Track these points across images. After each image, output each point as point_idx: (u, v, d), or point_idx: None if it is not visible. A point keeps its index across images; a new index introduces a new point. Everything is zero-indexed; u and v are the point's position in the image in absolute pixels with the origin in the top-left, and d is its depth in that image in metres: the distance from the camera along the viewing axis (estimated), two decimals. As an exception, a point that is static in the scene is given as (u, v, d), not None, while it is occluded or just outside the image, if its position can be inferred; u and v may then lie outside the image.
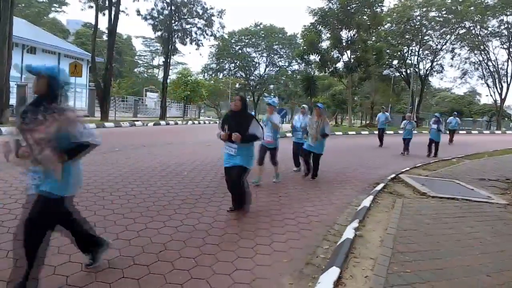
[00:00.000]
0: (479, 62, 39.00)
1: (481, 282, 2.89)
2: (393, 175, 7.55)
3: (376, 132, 15.64)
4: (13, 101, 16.61)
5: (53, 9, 50.44)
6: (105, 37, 34.08)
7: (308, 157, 7.12)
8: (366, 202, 5.16)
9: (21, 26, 24.08)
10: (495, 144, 17.29)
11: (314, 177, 7.15)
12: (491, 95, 39.01)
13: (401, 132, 13.88)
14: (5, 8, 12.73)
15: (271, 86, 59.03)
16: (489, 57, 37.44)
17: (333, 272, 2.86)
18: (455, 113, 19.65)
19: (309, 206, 5.12)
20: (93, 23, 21.24)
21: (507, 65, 36.38)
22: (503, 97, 37.13)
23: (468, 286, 2.82)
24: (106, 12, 20.73)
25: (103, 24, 60.60)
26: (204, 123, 31.18)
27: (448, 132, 17.27)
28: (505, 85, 36.94)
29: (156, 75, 59.81)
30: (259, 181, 6.24)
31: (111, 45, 20.91)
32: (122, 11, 22.40)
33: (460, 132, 30.89)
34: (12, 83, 14.97)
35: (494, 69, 37.44)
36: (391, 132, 22.18)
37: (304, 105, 8.46)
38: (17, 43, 25.07)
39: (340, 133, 22.15)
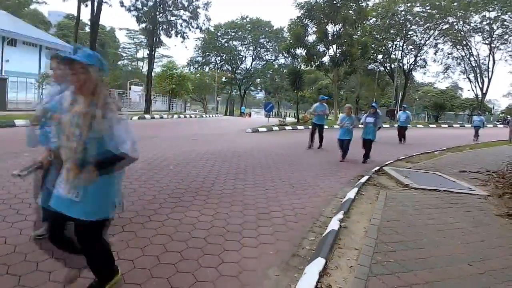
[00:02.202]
0: (461, 57, 40.00)
1: (463, 271, 2.97)
2: (377, 168, 7.67)
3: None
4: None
5: (34, 0, 48.85)
6: (87, 29, 33.27)
7: (60, 226, 2.16)
8: (351, 194, 5.23)
9: (1, 17, 23.29)
10: (476, 137, 17.67)
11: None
12: (472, 90, 40.15)
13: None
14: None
15: (258, 79, 59.01)
16: (471, 52, 38.42)
17: (319, 263, 2.90)
18: (404, 105, 16.94)
19: (295, 199, 5.15)
20: (75, 14, 20.67)
21: (488, 60, 37.36)
22: (484, 91, 38.15)
23: (449, 275, 2.89)
24: (89, 3, 20.24)
25: (85, 15, 58.78)
26: (190, 117, 30.98)
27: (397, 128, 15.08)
28: (486, 80, 37.93)
29: (141, 68, 58.75)
30: None
31: (93, 37, 20.48)
32: (105, 2, 21.82)
33: (442, 125, 31.57)
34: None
35: (476, 64, 38.42)
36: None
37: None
38: (-5, 35, 24.24)
39: (326, 127, 22.30)
